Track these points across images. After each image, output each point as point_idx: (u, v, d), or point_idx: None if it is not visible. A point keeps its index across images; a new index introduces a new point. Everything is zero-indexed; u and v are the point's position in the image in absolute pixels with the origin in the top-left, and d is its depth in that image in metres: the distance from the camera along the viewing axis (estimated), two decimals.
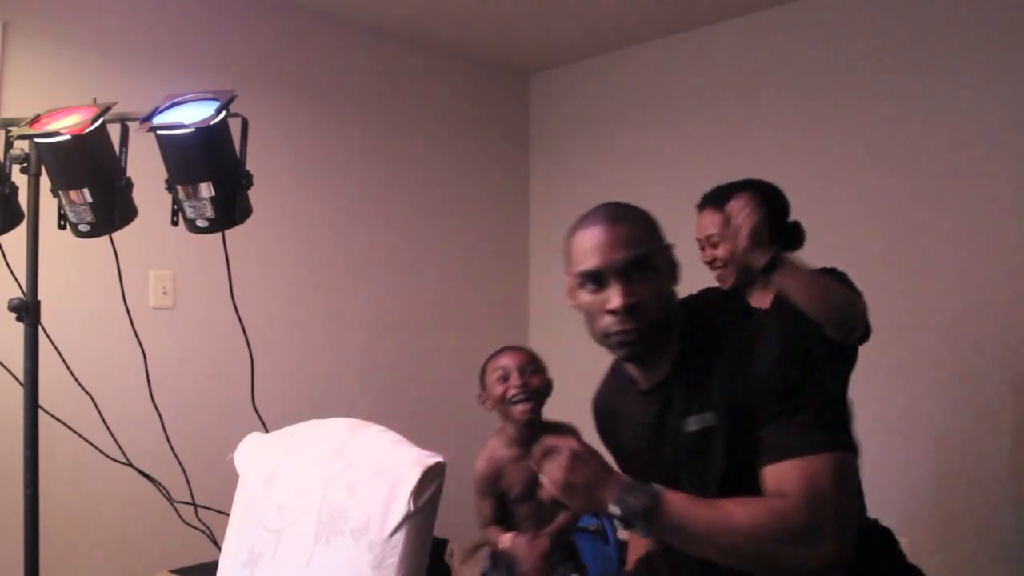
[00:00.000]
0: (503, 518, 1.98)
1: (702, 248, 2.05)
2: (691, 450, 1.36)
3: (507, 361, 2.00)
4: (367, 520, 1.41)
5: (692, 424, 1.35)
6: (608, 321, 1.33)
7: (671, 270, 1.40)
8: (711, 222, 1.99)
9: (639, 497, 1.23)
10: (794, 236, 1.99)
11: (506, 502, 1.98)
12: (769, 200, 1.92)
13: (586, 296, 1.36)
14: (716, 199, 2.01)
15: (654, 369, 1.40)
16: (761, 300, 1.98)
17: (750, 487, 1.28)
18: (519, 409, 1.96)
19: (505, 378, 1.98)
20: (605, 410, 1.61)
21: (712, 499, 1.26)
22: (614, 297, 1.31)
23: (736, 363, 1.32)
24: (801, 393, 1.27)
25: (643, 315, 1.32)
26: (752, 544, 1.21)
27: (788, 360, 1.29)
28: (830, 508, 1.21)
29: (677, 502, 1.24)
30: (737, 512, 1.22)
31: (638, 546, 1.70)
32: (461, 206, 3.68)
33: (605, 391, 1.63)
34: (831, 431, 1.27)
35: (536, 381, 1.99)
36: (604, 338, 1.37)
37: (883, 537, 1.62)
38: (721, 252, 1.98)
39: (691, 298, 1.59)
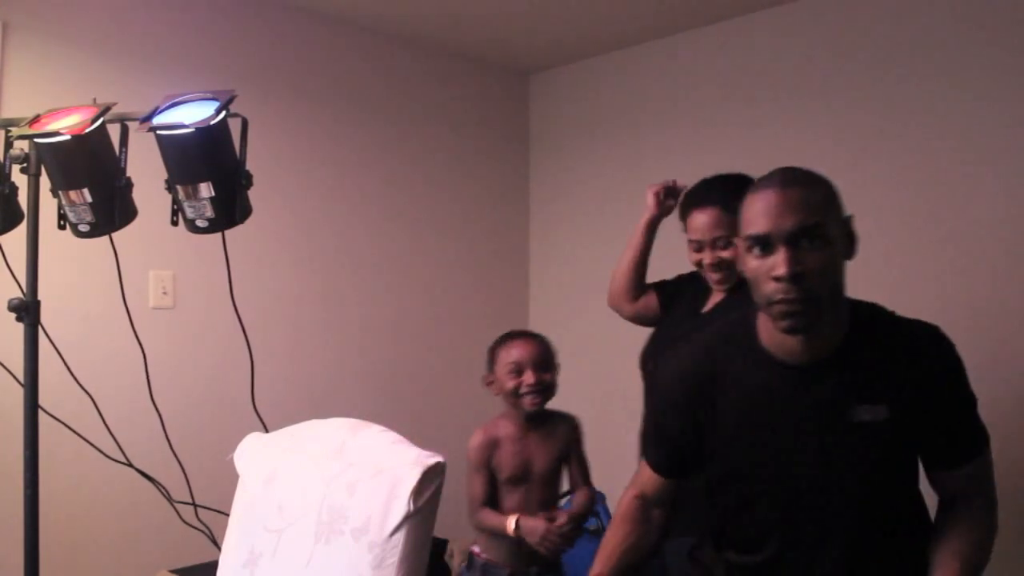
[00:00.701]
0: (492, 503, 1.99)
1: (699, 249, 1.96)
2: (851, 439, 1.35)
3: (521, 354, 2.01)
4: (367, 520, 1.41)
5: (862, 414, 1.33)
6: (772, 288, 1.30)
7: (847, 243, 1.36)
8: (717, 222, 1.90)
9: None
10: None
11: (496, 484, 1.99)
12: None
13: (753, 261, 1.33)
14: (726, 205, 1.85)
15: (814, 345, 1.36)
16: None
17: (895, 481, 1.40)
18: (529, 400, 1.99)
19: (519, 372, 1.99)
20: (705, 370, 1.49)
21: (943, 561, 1.36)
22: (780, 264, 1.28)
23: (909, 363, 1.34)
24: (969, 399, 1.39)
25: (809, 285, 1.28)
26: (988, 555, 1.39)
27: (961, 368, 1.38)
28: (995, 487, 1.42)
29: None
30: (969, 550, 1.37)
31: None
32: (461, 206, 3.68)
33: (708, 350, 1.52)
34: (981, 424, 1.41)
35: (549, 377, 2.02)
36: (768, 306, 1.33)
37: None
38: (729, 255, 1.90)
39: None
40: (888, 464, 1.37)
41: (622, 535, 1.61)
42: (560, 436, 2.06)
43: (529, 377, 1.98)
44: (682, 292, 2.17)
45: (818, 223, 1.29)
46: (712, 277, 1.98)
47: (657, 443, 1.62)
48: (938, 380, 1.35)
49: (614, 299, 2.27)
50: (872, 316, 1.41)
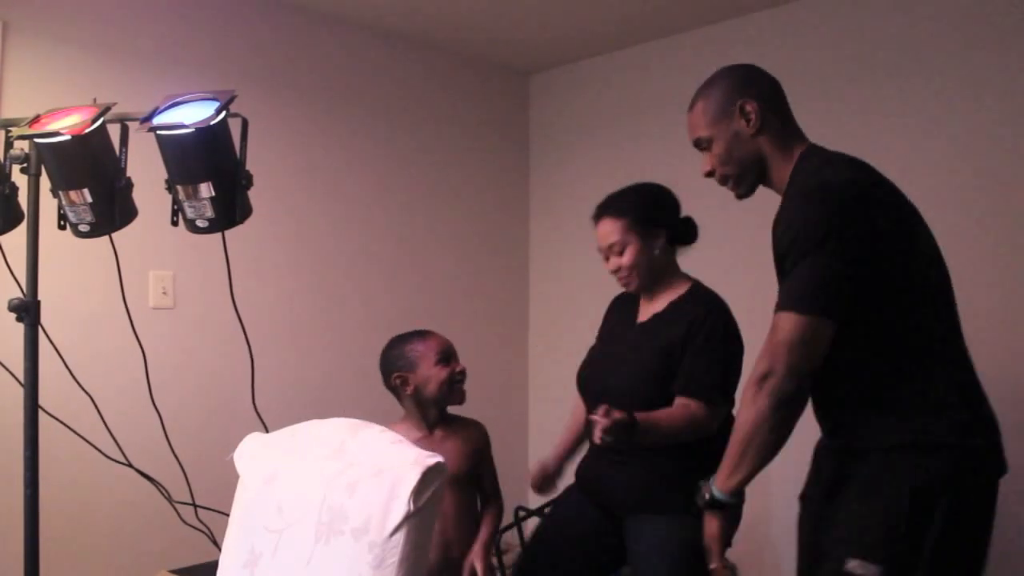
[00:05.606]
0: None
1: (606, 258, 2.07)
2: None
3: (444, 344, 1.98)
4: (367, 520, 1.41)
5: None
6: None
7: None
8: (612, 230, 2.02)
9: None
10: (686, 232, 2.06)
11: None
12: (652, 199, 2.07)
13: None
14: (612, 207, 2.05)
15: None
16: (663, 299, 2.03)
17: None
18: (460, 392, 1.96)
19: (446, 360, 1.96)
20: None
21: None
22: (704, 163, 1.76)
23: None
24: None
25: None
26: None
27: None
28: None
29: None
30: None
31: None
32: (461, 206, 3.68)
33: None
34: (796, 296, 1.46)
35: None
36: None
37: None
38: (626, 260, 2.00)
39: None
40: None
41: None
42: (473, 439, 2.02)
43: (458, 364, 1.95)
44: (610, 312, 2.25)
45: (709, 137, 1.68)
46: (620, 282, 2.07)
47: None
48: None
49: None
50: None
